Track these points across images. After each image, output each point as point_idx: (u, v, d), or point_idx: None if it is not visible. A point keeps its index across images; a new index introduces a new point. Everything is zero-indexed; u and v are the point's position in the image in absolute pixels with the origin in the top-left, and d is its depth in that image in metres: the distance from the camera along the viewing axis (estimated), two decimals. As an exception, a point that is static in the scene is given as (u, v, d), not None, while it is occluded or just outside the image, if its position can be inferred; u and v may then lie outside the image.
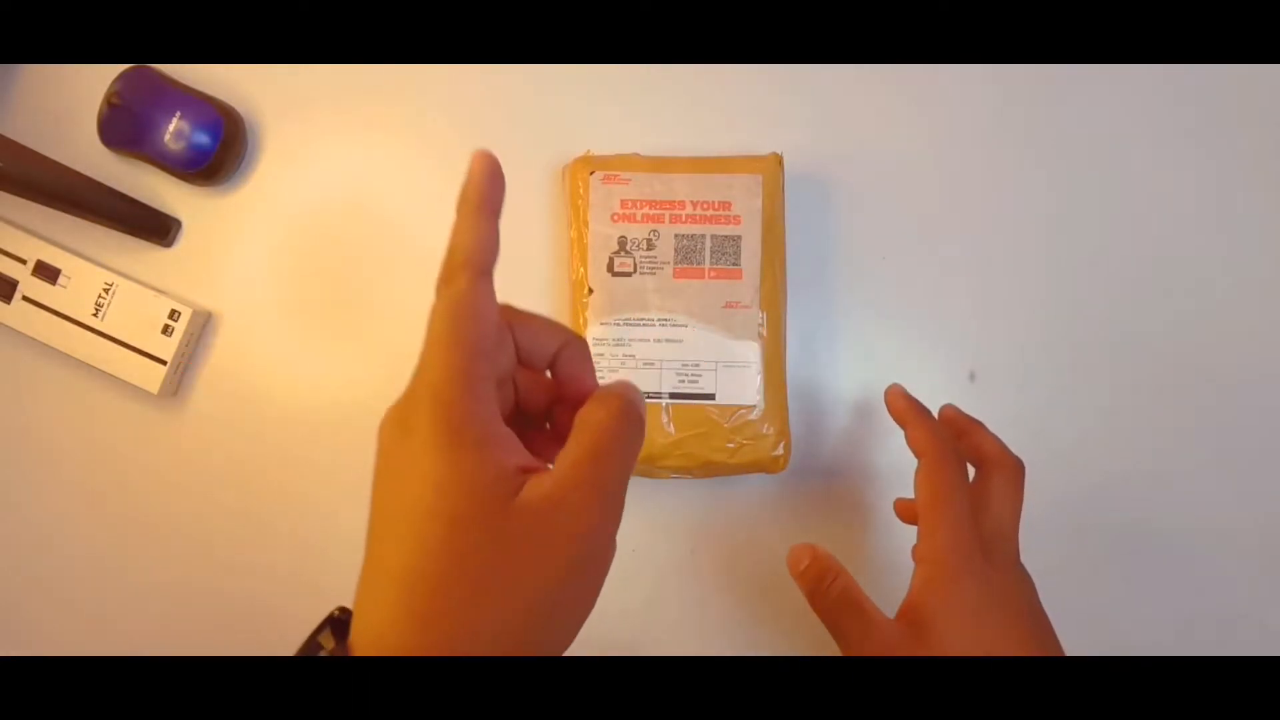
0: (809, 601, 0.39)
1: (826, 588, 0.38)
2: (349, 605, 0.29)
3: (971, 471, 0.42)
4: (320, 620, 0.30)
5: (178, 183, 0.52)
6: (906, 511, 0.46)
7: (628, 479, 0.28)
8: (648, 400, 0.47)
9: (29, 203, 0.50)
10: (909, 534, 0.51)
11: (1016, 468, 0.41)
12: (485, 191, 0.29)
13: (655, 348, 0.47)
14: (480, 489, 0.26)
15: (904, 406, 0.42)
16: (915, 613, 0.37)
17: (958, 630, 0.36)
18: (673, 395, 0.47)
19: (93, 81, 0.51)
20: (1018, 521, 0.40)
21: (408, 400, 0.28)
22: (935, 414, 0.43)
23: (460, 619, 0.26)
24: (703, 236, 0.47)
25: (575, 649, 0.52)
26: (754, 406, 0.47)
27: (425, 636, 0.26)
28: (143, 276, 0.52)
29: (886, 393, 0.43)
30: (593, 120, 0.52)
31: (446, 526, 0.26)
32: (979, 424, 0.43)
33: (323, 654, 0.28)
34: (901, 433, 0.51)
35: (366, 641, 0.27)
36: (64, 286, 0.50)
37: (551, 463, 0.28)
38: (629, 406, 0.29)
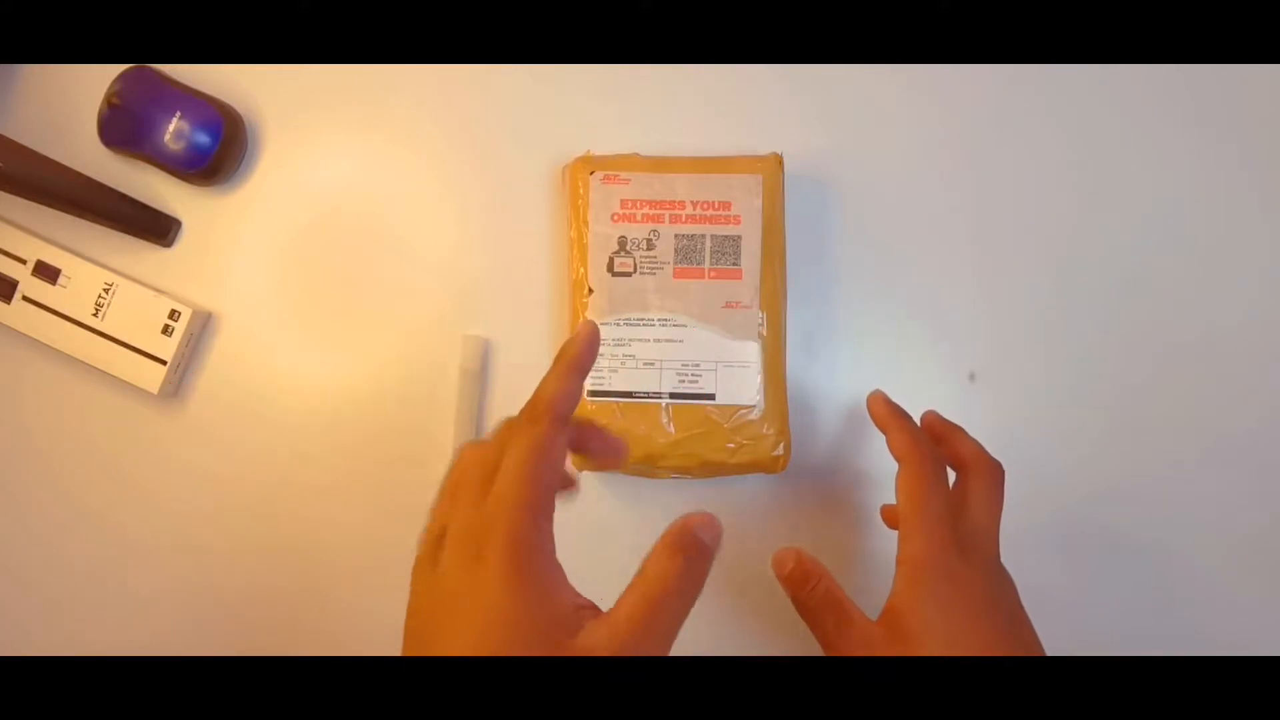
0: (793, 603, 0.40)
1: (810, 590, 0.39)
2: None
3: (952, 476, 0.42)
4: None
5: (178, 183, 0.52)
6: (890, 517, 0.47)
7: (680, 626, 0.29)
8: (648, 400, 0.47)
9: (29, 203, 0.50)
10: (909, 534, 0.51)
11: (994, 470, 0.42)
12: (583, 355, 0.34)
13: (655, 348, 0.47)
14: (545, 626, 0.28)
15: (885, 412, 0.43)
16: (894, 614, 0.38)
17: (933, 631, 0.37)
18: (673, 395, 0.47)
19: (93, 81, 0.51)
20: (997, 523, 0.41)
21: (479, 525, 0.29)
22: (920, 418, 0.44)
23: None
24: (703, 236, 0.47)
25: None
26: (754, 406, 0.47)
27: None
28: (143, 276, 0.52)
29: (869, 399, 0.44)
30: (593, 120, 0.52)
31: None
32: (958, 428, 0.43)
33: None
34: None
35: None
36: (64, 286, 0.50)
37: None
38: (696, 560, 0.30)
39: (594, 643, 0.27)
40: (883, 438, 0.51)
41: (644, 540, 0.51)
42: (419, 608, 0.30)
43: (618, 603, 0.29)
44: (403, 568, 0.45)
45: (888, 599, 0.39)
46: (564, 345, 0.34)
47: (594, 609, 0.29)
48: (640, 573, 0.29)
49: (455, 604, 0.28)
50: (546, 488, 0.30)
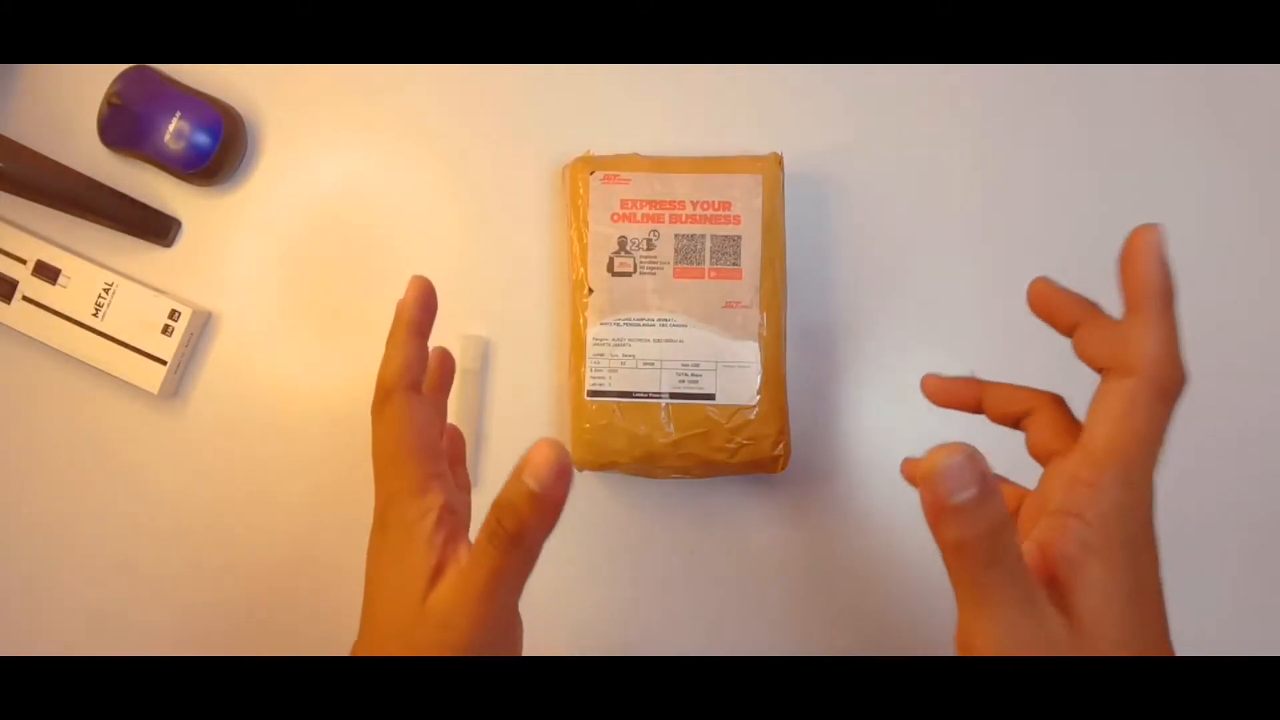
0: (958, 552, 0.25)
1: (1005, 544, 0.25)
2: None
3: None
4: None
5: (178, 183, 0.52)
6: (911, 475, 0.35)
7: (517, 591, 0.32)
8: (648, 400, 0.47)
9: (29, 203, 0.50)
10: (908, 534, 0.51)
11: (1178, 381, 0.30)
12: (417, 316, 0.34)
13: (655, 348, 0.47)
14: (411, 594, 0.31)
15: (1159, 279, 0.29)
16: (1068, 591, 0.27)
17: (1121, 626, 0.28)
18: (673, 395, 0.47)
19: (93, 81, 0.51)
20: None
21: (384, 497, 0.33)
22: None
23: None
24: (703, 236, 0.47)
25: (575, 648, 0.53)
26: (754, 406, 0.47)
27: None
28: (143, 276, 0.52)
29: (1137, 236, 0.30)
30: (593, 120, 0.52)
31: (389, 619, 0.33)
32: (1174, 306, 0.30)
33: None
34: (894, 434, 0.51)
35: None
36: (64, 286, 0.50)
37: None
38: (507, 551, 0.30)
39: (441, 604, 0.31)
40: (884, 437, 0.51)
41: (644, 540, 0.51)
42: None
43: (464, 568, 0.32)
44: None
45: (1042, 557, 0.27)
46: (398, 308, 0.34)
47: (449, 576, 0.32)
48: (475, 548, 0.31)
49: (376, 567, 0.33)
50: (415, 453, 0.32)
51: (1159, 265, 0.29)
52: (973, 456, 0.24)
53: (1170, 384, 0.29)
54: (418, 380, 0.34)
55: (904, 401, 0.51)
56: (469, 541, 0.32)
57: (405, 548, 0.32)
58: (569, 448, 0.48)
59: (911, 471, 0.35)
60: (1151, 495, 0.28)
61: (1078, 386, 0.51)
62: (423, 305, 0.34)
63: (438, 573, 0.31)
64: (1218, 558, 0.51)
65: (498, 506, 0.29)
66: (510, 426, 0.51)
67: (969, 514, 0.24)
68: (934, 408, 0.51)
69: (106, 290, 0.50)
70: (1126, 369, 0.28)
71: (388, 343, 0.34)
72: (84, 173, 0.50)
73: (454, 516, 0.33)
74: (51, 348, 0.51)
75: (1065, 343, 0.51)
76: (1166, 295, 0.29)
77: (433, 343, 0.51)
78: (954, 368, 0.51)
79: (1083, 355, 0.31)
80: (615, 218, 0.48)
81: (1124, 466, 0.27)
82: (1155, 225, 0.29)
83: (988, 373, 0.51)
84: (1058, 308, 0.32)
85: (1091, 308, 0.31)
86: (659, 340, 0.47)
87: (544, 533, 0.29)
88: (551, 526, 0.29)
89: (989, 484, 0.24)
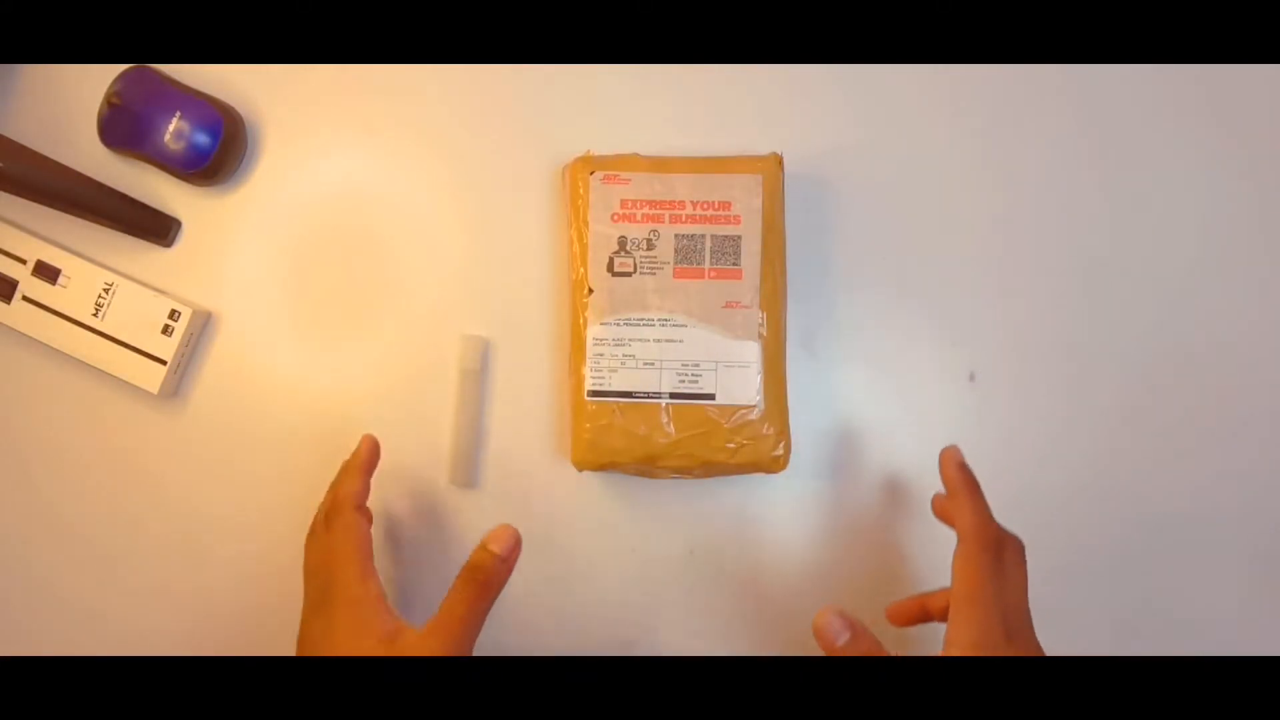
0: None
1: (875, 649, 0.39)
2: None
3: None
4: None
5: (178, 183, 0.52)
6: (942, 513, 0.46)
7: (478, 627, 0.41)
8: (648, 400, 0.47)
9: (29, 203, 0.50)
10: (909, 533, 0.51)
11: (1021, 548, 0.41)
12: (369, 460, 0.47)
13: (655, 348, 0.47)
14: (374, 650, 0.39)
15: (959, 478, 0.43)
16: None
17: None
18: (673, 395, 0.47)
19: (93, 81, 0.51)
20: (1027, 596, 0.41)
21: (324, 588, 0.42)
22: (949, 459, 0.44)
23: None
24: (703, 236, 0.47)
25: (575, 649, 0.53)
26: (754, 406, 0.47)
27: None
28: (143, 276, 0.51)
29: (943, 456, 0.44)
30: (593, 120, 0.52)
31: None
32: (975, 489, 0.43)
33: None
34: (894, 434, 0.51)
35: None
36: (64, 286, 0.50)
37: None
38: (487, 584, 0.41)
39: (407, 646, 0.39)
40: (884, 438, 0.51)
41: (644, 541, 0.51)
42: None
43: (427, 627, 0.40)
44: (402, 565, 0.45)
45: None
46: (351, 457, 0.47)
47: (407, 627, 0.40)
48: (444, 605, 0.41)
49: (329, 642, 0.41)
50: (366, 555, 0.43)
51: (959, 470, 0.43)
52: (840, 614, 0.39)
53: (988, 540, 0.40)
54: (363, 502, 0.45)
55: (904, 401, 0.51)
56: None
57: (361, 618, 0.40)
58: (569, 448, 0.48)
59: (941, 510, 0.46)
60: (1001, 608, 0.39)
61: (1076, 384, 0.51)
62: (372, 455, 0.47)
63: (397, 633, 0.40)
64: (1224, 558, 0.51)
65: (471, 567, 0.41)
66: (510, 426, 0.51)
67: (849, 649, 0.39)
68: (933, 407, 0.52)
69: (106, 290, 0.50)
70: (959, 536, 0.41)
71: (342, 473, 0.46)
72: (84, 173, 0.50)
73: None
74: (51, 348, 0.50)
75: (1062, 343, 0.52)
76: (969, 486, 0.42)
77: (432, 342, 0.51)
78: (954, 367, 0.51)
79: (942, 520, 0.45)
80: (615, 218, 0.48)
81: (969, 599, 0.39)
82: (953, 445, 0.44)
83: (987, 372, 0.51)
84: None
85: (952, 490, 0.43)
86: (659, 340, 0.47)
87: (500, 586, 0.41)
88: (504, 582, 0.41)
89: (857, 629, 0.39)
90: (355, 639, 0.40)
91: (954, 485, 0.43)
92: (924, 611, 0.45)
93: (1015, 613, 0.40)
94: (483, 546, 0.41)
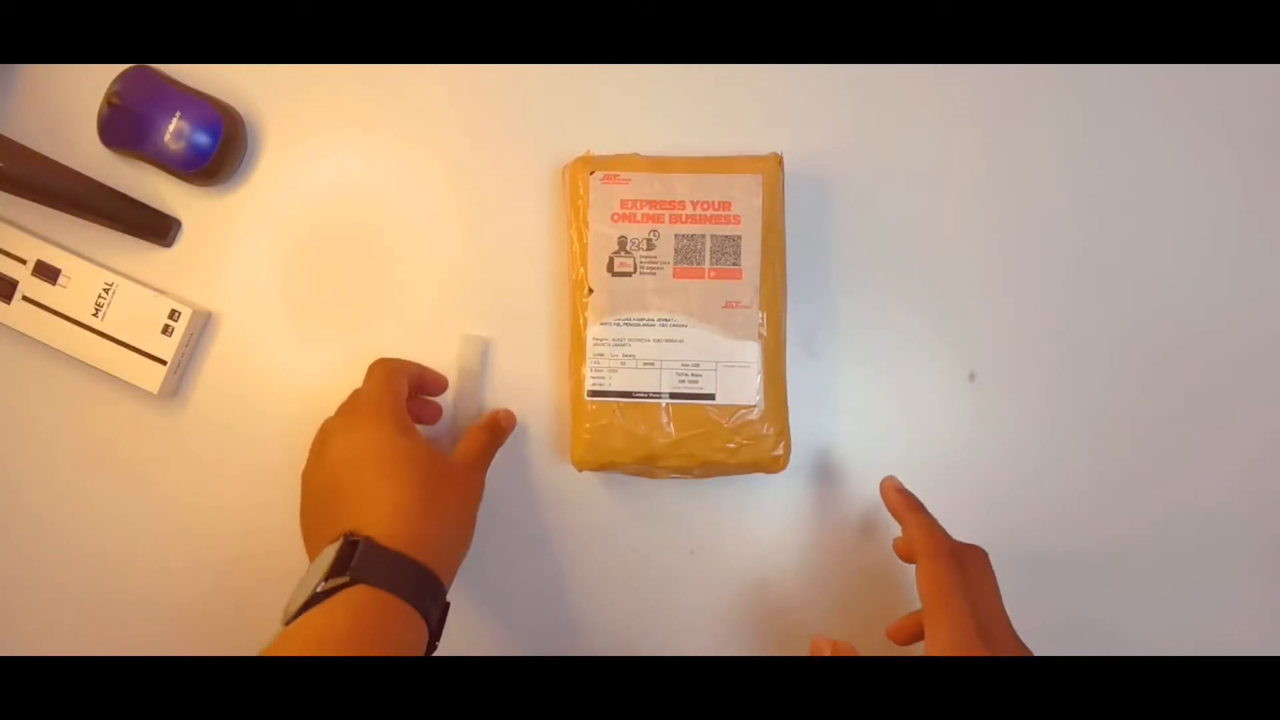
0: None
1: None
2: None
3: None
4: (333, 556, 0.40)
5: (178, 183, 0.52)
6: (905, 551, 0.46)
7: (491, 461, 0.49)
8: (648, 400, 0.47)
9: (29, 203, 0.50)
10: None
11: (982, 554, 0.42)
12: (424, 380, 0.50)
13: (655, 348, 0.47)
14: (431, 457, 0.44)
15: (901, 502, 0.44)
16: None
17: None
18: (673, 395, 0.47)
19: (93, 81, 0.51)
20: (1001, 600, 0.41)
21: (362, 407, 0.46)
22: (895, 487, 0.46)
23: (429, 526, 0.42)
24: (703, 236, 0.47)
25: (575, 649, 0.53)
26: (754, 406, 0.47)
27: (413, 530, 0.41)
28: (143, 276, 0.51)
29: (882, 486, 0.46)
30: (593, 120, 0.52)
31: (422, 477, 0.43)
32: (919, 507, 0.44)
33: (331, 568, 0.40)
34: (894, 434, 0.51)
35: (380, 536, 0.40)
36: (64, 286, 0.50)
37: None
38: (496, 431, 0.50)
39: (459, 466, 0.46)
40: (884, 437, 0.51)
41: (644, 540, 0.51)
42: (330, 471, 0.44)
43: (462, 447, 0.48)
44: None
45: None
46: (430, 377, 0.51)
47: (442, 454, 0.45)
48: (469, 435, 0.48)
49: (360, 455, 0.43)
50: (402, 387, 0.47)
51: (899, 495, 0.45)
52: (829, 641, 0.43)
53: (944, 551, 0.41)
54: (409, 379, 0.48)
55: (904, 401, 0.51)
56: None
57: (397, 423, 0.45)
58: (569, 448, 0.48)
59: (901, 550, 0.46)
60: (972, 614, 0.39)
61: (1076, 384, 0.51)
62: (434, 384, 0.51)
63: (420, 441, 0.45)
64: (1226, 556, 0.51)
65: (487, 418, 0.50)
66: (510, 426, 0.51)
67: None
68: (932, 407, 0.52)
69: (106, 290, 0.50)
70: (915, 555, 0.42)
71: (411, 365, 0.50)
72: (84, 173, 0.50)
73: None
74: (51, 348, 0.51)
75: (1062, 343, 0.52)
76: (913, 507, 0.44)
77: (432, 342, 0.51)
78: (954, 367, 0.51)
79: (905, 556, 0.46)
80: (615, 218, 0.48)
81: (938, 609, 0.40)
82: (889, 476, 0.47)
83: (987, 372, 0.52)
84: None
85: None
86: (659, 340, 0.47)
87: (507, 435, 0.50)
88: (509, 433, 0.50)
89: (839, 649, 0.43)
90: (416, 448, 0.43)
91: (899, 509, 0.45)
92: (921, 629, 0.45)
93: (989, 618, 0.40)
94: (489, 413, 0.50)
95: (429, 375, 0.50)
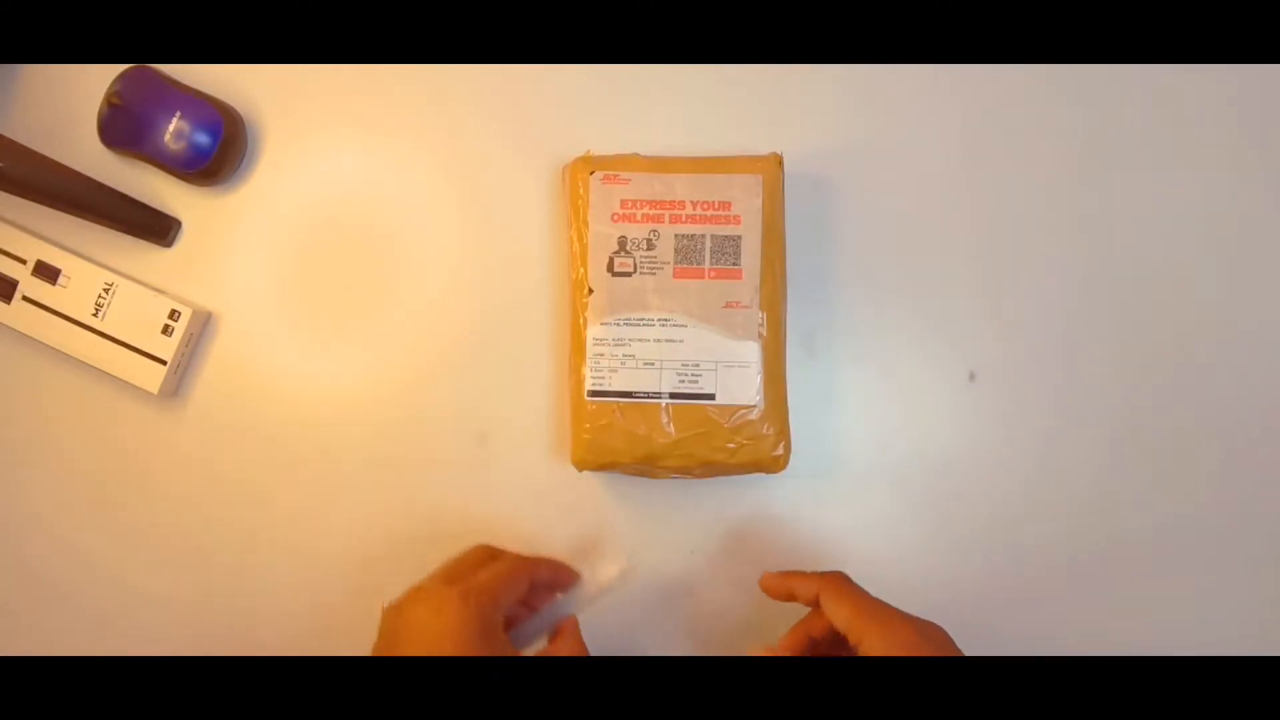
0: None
1: None
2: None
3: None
4: None
5: (178, 183, 0.52)
6: (777, 587, 0.46)
7: None
8: (648, 400, 0.47)
9: (29, 203, 0.50)
10: (908, 533, 0.51)
11: (840, 575, 0.44)
12: (541, 574, 0.45)
13: (655, 348, 0.47)
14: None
15: (779, 580, 0.45)
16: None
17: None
18: (673, 395, 0.47)
19: (93, 81, 0.51)
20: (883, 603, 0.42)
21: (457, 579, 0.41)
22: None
23: None
24: (703, 236, 0.47)
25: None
26: (754, 406, 0.47)
27: None
28: (143, 276, 0.52)
29: (761, 584, 0.45)
30: (593, 120, 0.52)
31: None
32: (793, 574, 0.45)
33: None
34: (894, 434, 0.51)
35: None
36: (64, 286, 0.50)
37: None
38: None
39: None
40: (884, 437, 0.51)
41: (644, 541, 0.51)
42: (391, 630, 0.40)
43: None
44: (401, 565, 0.45)
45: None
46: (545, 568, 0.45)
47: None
48: (554, 642, 0.44)
49: (420, 626, 0.39)
50: (509, 591, 0.42)
51: (780, 578, 0.45)
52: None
53: (840, 578, 0.43)
54: (521, 591, 0.44)
55: (904, 401, 0.51)
56: None
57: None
58: (569, 448, 0.48)
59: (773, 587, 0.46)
60: (898, 614, 0.41)
61: (1076, 384, 0.51)
62: (552, 574, 0.46)
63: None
64: (1225, 556, 0.51)
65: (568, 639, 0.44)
66: (510, 426, 0.51)
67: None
68: (932, 407, 0.52)
69: (106, 290, 0.50)
70: (820, 588, 0.43)
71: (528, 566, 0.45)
72: (84, 173, 0.50)
73: None
74: (51, 348, 0.51)
75: (1062, 343, 0.52)
76: (793, 575, 0.44)
77: (432, 342, 0.51)
78: (954, 367, 0.51)
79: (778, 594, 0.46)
80: (615, 218, 0.48)
81: (869, 617, 0.41)
82: (766, 573, 0.45)
83: (987, 372, 0.52)
84: (794, 590, 0.44)
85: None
86: (659, 340, 0.47)
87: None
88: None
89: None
90: (478, 633, 0.39)
91: (783, 585, 0.45)
92: (792, 597, 0.45)
93: (904, 615, 0.41)
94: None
95: (563, 573, 0.46)
